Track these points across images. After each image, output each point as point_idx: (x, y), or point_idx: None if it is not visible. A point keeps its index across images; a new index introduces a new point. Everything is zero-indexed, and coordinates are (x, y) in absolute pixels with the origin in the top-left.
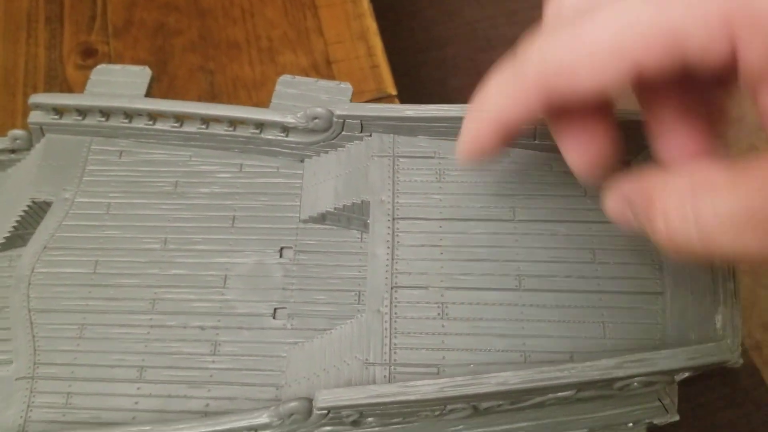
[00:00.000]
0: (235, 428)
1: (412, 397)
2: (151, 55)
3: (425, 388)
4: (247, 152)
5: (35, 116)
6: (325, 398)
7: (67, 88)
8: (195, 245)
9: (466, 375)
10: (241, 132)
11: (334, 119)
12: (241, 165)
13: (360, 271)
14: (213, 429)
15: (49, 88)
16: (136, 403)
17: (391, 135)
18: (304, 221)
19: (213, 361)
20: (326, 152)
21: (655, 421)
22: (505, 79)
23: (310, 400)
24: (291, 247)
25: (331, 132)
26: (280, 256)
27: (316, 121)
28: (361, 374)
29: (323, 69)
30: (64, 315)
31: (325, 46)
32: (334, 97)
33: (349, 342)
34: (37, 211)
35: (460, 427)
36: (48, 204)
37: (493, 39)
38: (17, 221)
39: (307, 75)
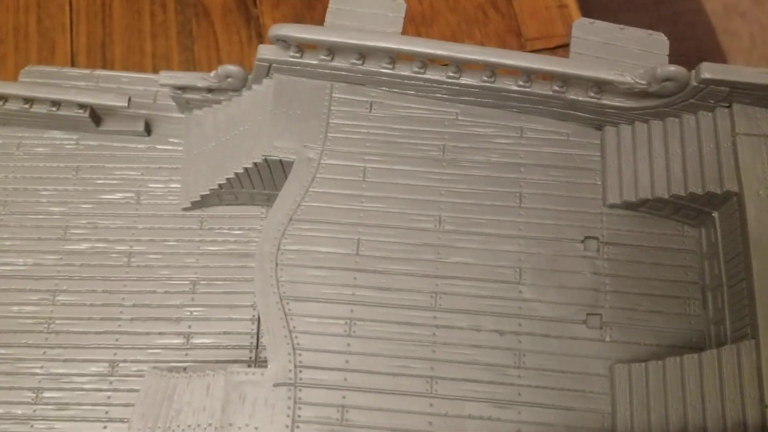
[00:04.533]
0: None
1: None
2: None
3: None
4: (528, 113)
5: (266, 51)
6: None
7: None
8: (477, 227)
9: None
10: (538, 89)
11: (693, 83)
12: (521, 129)
13: (688, 274)
14: None
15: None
16: (430, 423)
17: (759, 108)
18: (611, 206)
19: (519, 376)
20: (644, 121)
21: None
22: None
23: None
24: (596, 238)
25: (674, 98)
26: (584, 248)
27: (666, 83)
28: (759, 417)
29: (502, 5)
30: (325, 306)
31: None
32: (648, 49)
33: (733, 372)
34: (260, 169)
35: None
36: (282, 163)
37: None
38: (229, 178)
39: (484, 11)
